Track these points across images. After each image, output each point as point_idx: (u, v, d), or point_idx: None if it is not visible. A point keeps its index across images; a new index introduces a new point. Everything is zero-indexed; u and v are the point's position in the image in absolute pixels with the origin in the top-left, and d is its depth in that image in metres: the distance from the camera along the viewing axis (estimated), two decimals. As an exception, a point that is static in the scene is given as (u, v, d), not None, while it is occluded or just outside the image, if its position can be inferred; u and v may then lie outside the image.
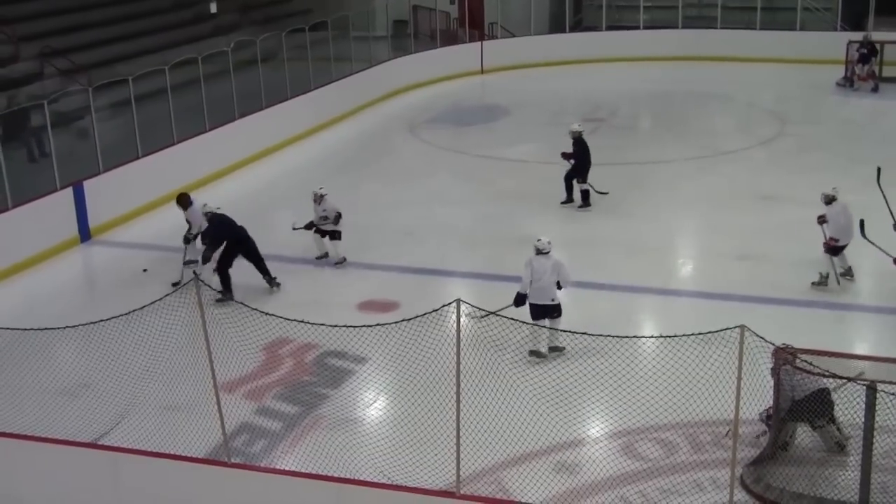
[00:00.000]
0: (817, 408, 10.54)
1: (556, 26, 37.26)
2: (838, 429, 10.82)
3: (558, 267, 13.68)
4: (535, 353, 13.24)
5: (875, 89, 30.08)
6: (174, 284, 15.93)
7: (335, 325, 10.46)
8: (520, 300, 13.52)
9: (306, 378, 13.28)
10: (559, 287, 13.69)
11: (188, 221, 17.46)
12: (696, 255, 18.22)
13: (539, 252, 13.69)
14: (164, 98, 21.92)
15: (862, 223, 15.29)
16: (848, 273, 15.72)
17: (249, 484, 10.41)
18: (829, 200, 15.60)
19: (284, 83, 26.04)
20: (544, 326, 13.35)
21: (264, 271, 16.36)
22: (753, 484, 10.45)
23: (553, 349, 13.44)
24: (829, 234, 15.46)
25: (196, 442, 11.00)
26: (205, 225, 16.67)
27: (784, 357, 10.32)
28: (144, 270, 17.47)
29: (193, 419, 11.19)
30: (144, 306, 10.77)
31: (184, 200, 17.60)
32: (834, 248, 15.48)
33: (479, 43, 35.14)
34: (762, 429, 11.11)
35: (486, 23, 37.07)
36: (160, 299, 10.67)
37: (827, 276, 15.49)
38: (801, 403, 10.58)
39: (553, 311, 13.54)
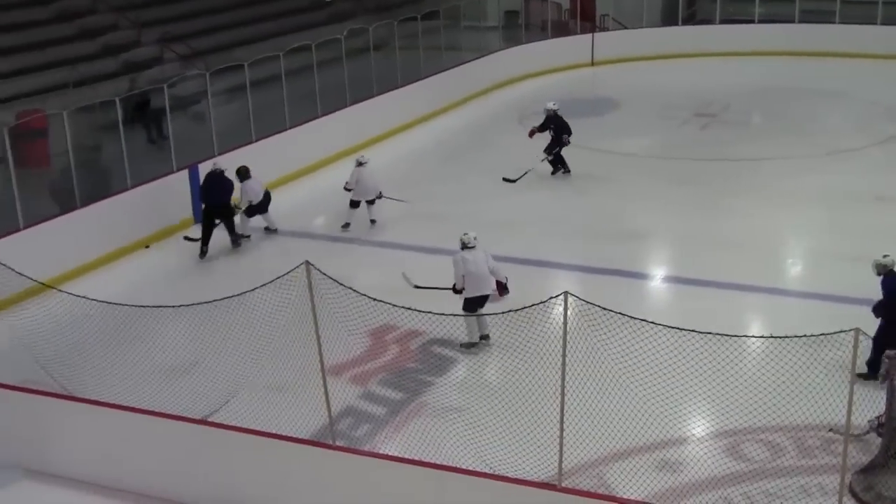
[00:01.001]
0: None
1: (669, 19, 36.82)
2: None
3: (489, 258, 13.98)
4: (469, 344, 13.64)
5: None
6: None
7: (442, 314, 10.53)
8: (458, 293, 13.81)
9: (411, 365, 13.39)
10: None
11: (243, 193, 18.28)
12: (807, 254, 17.88)
13: (465, 246, 13.83)
14: (279, 83, 22.27)
15: None
16: None
17: (352, 467, 10.55)
18: None
19: (395, 71, 26.23)
20: (480, 315, 13.51)
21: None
22: (864, 492, 10.22)
23: (483, 337, 13.69)
24: None
25: (301, 423, 11.19)
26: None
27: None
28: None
29: (300, 401, 11.39)
30: (255, 288, 10.98)
31: (243, 172, 18.27)
32: None
33: (591, 35, 34.88)
34: (872, 434, 10.88)
35: (598, 14, 36.80)
36: (271, 281, 10.83)
37: None
38: None
39: (487, 300, 13.81)
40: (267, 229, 18.95)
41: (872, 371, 11.83)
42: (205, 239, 17.82)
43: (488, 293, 13.75)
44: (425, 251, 17.61)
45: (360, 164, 18.76)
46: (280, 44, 24.17)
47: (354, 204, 18.84)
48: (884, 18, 34.09)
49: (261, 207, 18.59)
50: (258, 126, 21.36)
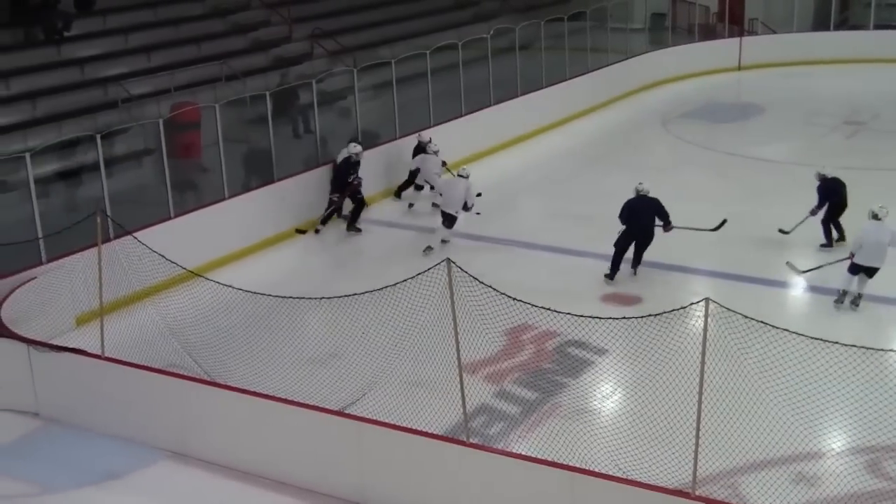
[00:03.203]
0: None
1: (821, 24, 35.99)
2: None
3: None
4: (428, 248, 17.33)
5: None
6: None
7: (580, 315, 10.55)
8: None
9: (546, 365, 13.43)
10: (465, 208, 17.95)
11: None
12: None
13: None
14: (424, 81, 22.52)
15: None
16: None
17: (485, 464, 10.61)
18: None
19: (540, 72, 26.25)
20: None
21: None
22: None
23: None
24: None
25: (437, 419, 11.29)
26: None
27: None
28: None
29: (436, 397, 11.48)
30: (398, 283, 11.14)
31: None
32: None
33: (738, 38, 34.36)
34: None
35: (747, 18, 36.20)
36: (412, 277, 10.98)
37: None
38: None
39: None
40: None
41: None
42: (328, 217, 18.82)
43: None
44: (567, 252, 17.59)
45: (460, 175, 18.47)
46: (426, 42, 24.42)
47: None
48: None
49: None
50: (402, 123, 21.62)
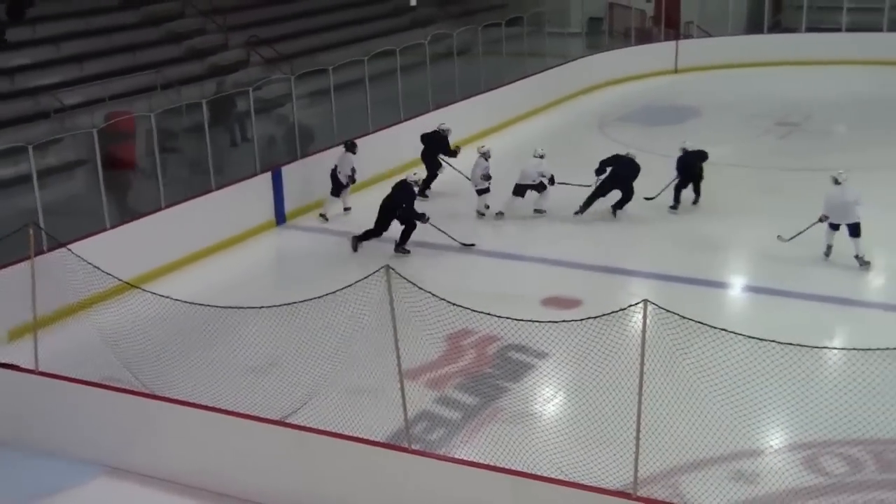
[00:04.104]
0: None
1: (755, 27, 36.45)
2: None
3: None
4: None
5: None
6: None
7: (520, 319, 10.56)
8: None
9: (487, 370, 13.44)
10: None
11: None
12: (890, 265, 17.59)
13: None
14: (362, 88, 22.45)
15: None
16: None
17: (427, 471, 10.58)
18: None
19: (479, 77, 26.31)
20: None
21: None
22: (945, 508, 10.09)
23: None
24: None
25: (378, 426, 11.28)
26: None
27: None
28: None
29: (377, 404, 11.48)
30: (336, 291, 11.08)
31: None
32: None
33: (675, 42, 34.68)
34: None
35: (682, 21, 36.57)
36: (351, 285, 10.93)
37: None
38: None
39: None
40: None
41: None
42: (369, 234, 18.20)
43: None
44: (507, 256, 17.62)
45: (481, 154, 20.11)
46: (364, 48, 24.41)
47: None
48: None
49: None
50: (341, 130, 21.55)
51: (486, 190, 19.89)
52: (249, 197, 19.28)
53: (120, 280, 13.29)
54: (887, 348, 8.94)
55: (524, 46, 29.12)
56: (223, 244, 18.52)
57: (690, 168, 20.01)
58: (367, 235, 18.06)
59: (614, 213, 19.53)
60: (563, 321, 10.37)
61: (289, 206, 19.91)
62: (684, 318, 9.61)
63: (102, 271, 12.72)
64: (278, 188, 19.55)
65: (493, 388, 12.95)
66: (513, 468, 10.33)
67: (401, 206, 17.90)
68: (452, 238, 18.19)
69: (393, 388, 10.78)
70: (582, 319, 10.25)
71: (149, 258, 17.00)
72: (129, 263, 15.67)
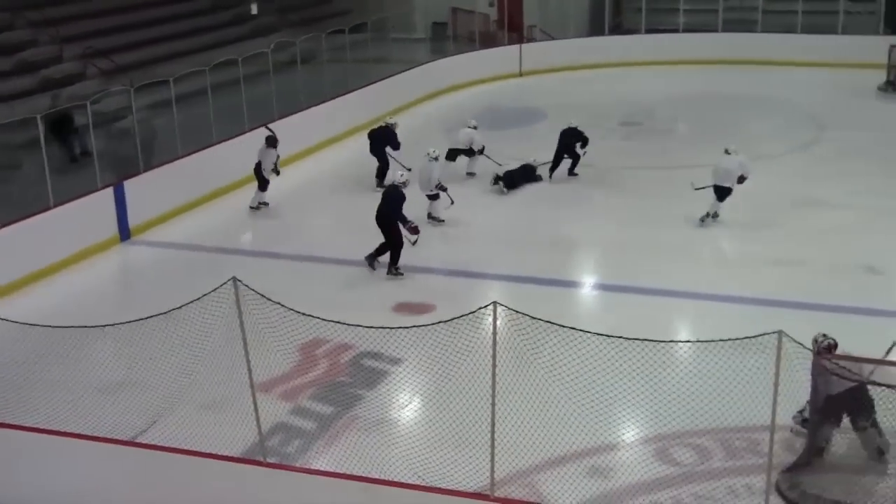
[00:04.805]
0: (855, 404, 10.37)
1: (596, 29, 37.23)
2: (879, 433, 10.66)
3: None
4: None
5: (918, 94, 29.85)
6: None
7: (371, 327, 10.52)
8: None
9: (342, 379, 13.34)
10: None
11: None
12: (733, 259, 18.14)
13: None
14: (205, 99, 22.09)
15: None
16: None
17: (284, 483, 10.48)
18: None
19: (323, 85, 26.17)
20: None
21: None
22: (789, 490, 10.39)
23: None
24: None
25: (232, 441, 11.09)
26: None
27: (820, 361, 10.19)
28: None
29: (230, 418, 11.29)
30: (183, 305, 10.85)
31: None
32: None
33: (518, 45, 35.12)
34: (796, 432, 11.06)
35: (525, 25, 37.07)
36: (198, 298, 10.70)
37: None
38: (837, 399, 10.42)
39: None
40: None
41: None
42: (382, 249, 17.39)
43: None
44: (358, 264, 17.53)
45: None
46: (205, 59, 24.02)
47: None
48: (803, 27, 34.83)
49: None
50: (184, 142, 21.16)
51: (436, 196, 19.53)
52: (91, 213, 18.71)
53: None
54: (730, 339, 9.15)
55: (369, 53, 29.11)
56: (64, 262, 17.89)
57: (563, 142, 22.11)
58: (381, 251, 17.37)
59: (571, 174, 22.27)
60: (415, 326, 10.36)
61: (133, 221, 19.40)
62: (534, 318, 9.70)
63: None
64: (121, 203, 19.06)
65: (349, 397, 12.85)
66: (370, 476, 10.31)
67: (395, 212, 17.25)
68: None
69: (246, 401, 10.64)
70: (433, 324, 10.26)
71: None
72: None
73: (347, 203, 20.49)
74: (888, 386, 9.85)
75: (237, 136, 22.62)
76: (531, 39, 36.45)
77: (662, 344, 10.22)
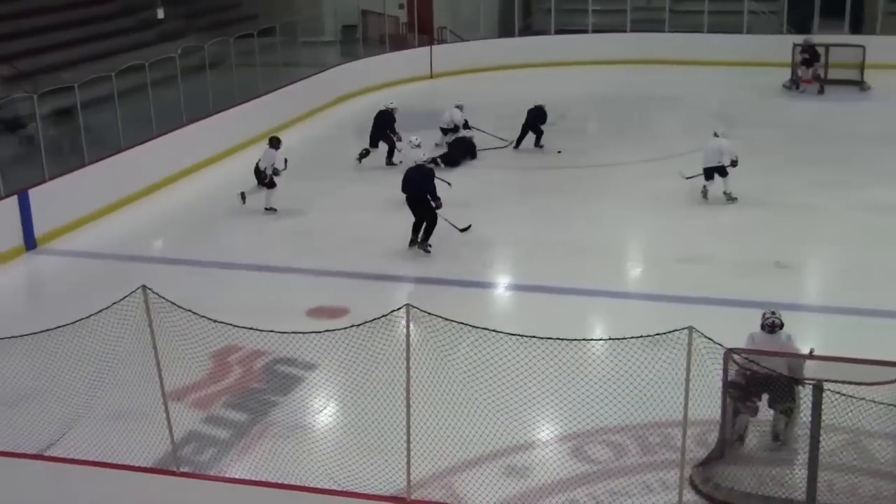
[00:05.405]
0: (772, 387, 10.50)
1: (506, 30, 37.41)
2: (786, 423, 10.81)
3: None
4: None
5: (821, 91, 30.47)
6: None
7: (284, 332, 10.43)
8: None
9: (255, 385, 13.20)
10: None
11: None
12: (643, 257, 18.36)
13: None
14: (111, 105, 21.72)
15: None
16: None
17: (199, 492, 10.38)
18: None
19: (233, 89, 25.92)
20: None
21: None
22: (702, 484, 10.52)
23: None
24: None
25: (145, 451, 10.92)
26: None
27: (731, 357, 10.32)
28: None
29: (141, 428, 11.11)
30: (92, 315, 10.64)
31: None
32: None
33: (429, 47, 35.15)
34: (711, 427, 11.19)
35: (436, 27, 37.11)
36: (107, 308, 10.52)
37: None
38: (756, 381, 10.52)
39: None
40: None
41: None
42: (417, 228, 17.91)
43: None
44: (270, 269, 17.40)
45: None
46: (111, 64, 23.56)
47: None
48: (710, 27, 35.43)
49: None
50: (91, 149, 20.78)
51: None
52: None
53: None
54: (642, 336, 9.24)
55: (278, 57, 28.90)
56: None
57: (529, 119, 24.65)
58: (416, 229, 17.83)
59: (537, 146, 24.72)
60: (328, 331, 10.29)
61: (39, 230, 18.98)
62: (448, 319, 9.69)
63: None
64: (26, 212, 18.65)
65: (263, 403, 12.72)
66: (286, 482, 10.25)
67: (428, 189, 17.75)
68: (453, 225, 18.26)
69: (158, 410, 10.49)
70: (346, 328, 10.20)
71: None
72: None
73: (260, 207, 20.29)
74: (796, 381, 10.06)
75: (145, 141, 22.28)
76: (442, 41, 36.50)
77: (576, 342, 10.27)
